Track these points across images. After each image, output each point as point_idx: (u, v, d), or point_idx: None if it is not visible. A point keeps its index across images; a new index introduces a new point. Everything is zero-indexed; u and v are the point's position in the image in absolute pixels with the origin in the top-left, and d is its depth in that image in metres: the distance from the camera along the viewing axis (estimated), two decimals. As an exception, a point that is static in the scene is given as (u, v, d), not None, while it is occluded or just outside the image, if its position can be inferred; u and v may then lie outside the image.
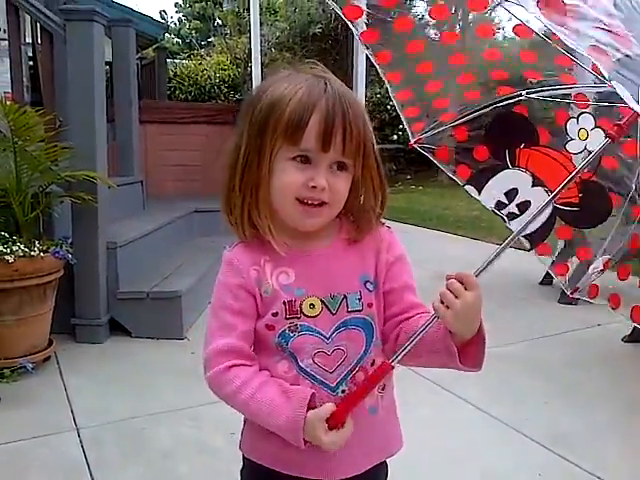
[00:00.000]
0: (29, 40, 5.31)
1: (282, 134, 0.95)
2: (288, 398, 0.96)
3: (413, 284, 1.07)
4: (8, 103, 2.92)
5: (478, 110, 1.32)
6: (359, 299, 1.01)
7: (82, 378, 2.86)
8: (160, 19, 20.89)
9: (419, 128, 1.37)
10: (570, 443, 2.33)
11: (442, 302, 0.92)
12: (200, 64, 15.21)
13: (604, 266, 1.25)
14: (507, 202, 1.29)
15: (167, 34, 21.33)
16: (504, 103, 1.29)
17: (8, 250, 2.69)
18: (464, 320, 0.92)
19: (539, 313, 4.07)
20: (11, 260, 2.66)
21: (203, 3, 22.43)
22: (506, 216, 1.30)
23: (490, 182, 1.19)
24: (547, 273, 4.72)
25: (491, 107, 1.30)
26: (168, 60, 10.96)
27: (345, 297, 1.01)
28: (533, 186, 1.27)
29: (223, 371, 0.99)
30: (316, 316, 0.99)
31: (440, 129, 1.36)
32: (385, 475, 1.14)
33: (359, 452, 1.04)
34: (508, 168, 1.27)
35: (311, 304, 0.99)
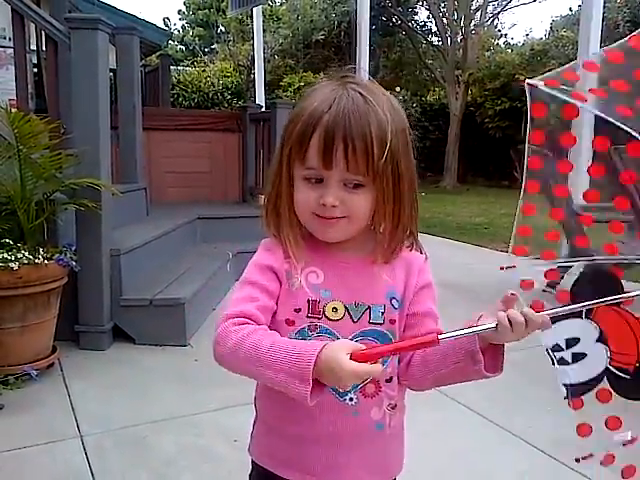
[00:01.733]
0: (34, 47, 5.33)
1: (292, 151, 0.96)
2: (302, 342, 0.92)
3: (436, 312, 1.07)
4: (13, 110, 2.93)
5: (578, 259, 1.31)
6: (382, 312, 1.01)
7: (86, 385, 2.87)
8: (164, 26, 21.03)
9: (521, 252, 1.34)
10: (573, 451, 2.31)
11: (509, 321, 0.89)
12: (203, 71, 15.30)
13: (631, 440, 1.22)
14: (564, 348, 1.30)
15: (171, 41, 21.44)
16: (604, 260, 1.29)
17: (12, 257, 2.70)
18: (509, 339, 0.93)
19: (542, 320, 4.05)
20: (15, 267, 2.67)
21: (206, 10, 22.53)
22: (557, 360, 1.30)
23: (557, 325, 1.16)
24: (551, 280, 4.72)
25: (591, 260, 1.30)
26: (171, 67, 10.99)
27: (369, 308, 1.01)
28: (597, 342, 1.25)
29: (232, 325, 0.95)
30: (337, 320, 0.99)
31: (538, 265, 1.36)
32: None
33: (362, 467, 1.04)
34: (580, 318, 1.24)
35: (334, 307, 1.00)
